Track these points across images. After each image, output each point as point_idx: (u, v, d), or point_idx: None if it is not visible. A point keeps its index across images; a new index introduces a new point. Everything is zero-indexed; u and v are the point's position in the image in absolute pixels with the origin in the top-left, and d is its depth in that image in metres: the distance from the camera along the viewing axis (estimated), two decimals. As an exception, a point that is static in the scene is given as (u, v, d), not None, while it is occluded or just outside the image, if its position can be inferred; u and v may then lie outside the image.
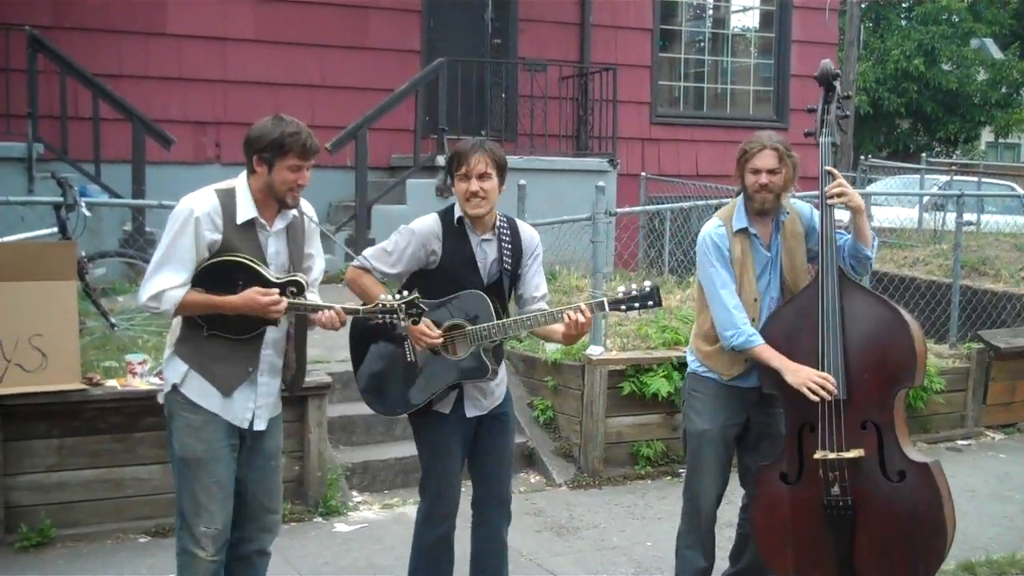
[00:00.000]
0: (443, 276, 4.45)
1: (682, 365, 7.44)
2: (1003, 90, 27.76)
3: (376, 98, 11.55)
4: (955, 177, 17.70)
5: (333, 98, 12.27)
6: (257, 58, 12.01)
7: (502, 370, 4.64)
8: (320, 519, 6.57)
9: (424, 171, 11.90)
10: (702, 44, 15.87)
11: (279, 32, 12.11)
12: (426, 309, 4.19)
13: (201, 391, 4.12)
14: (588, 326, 4.31)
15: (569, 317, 4.25)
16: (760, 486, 4.83)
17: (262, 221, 4.12)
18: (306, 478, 6.66)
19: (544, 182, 11.34)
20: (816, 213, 4.82)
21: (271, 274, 4.09)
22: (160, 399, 4.32)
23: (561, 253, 9.48)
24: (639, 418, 7.75)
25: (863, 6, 21.90)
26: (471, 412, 4.54)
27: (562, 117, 13.31)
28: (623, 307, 4.27)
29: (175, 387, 4.16)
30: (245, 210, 4.08)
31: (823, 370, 4.56)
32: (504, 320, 4.40)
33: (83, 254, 7.31)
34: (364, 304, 4.36)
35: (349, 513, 6.68)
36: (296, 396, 6.44)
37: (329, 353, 7.17)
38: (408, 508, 6.75)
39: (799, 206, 4.95)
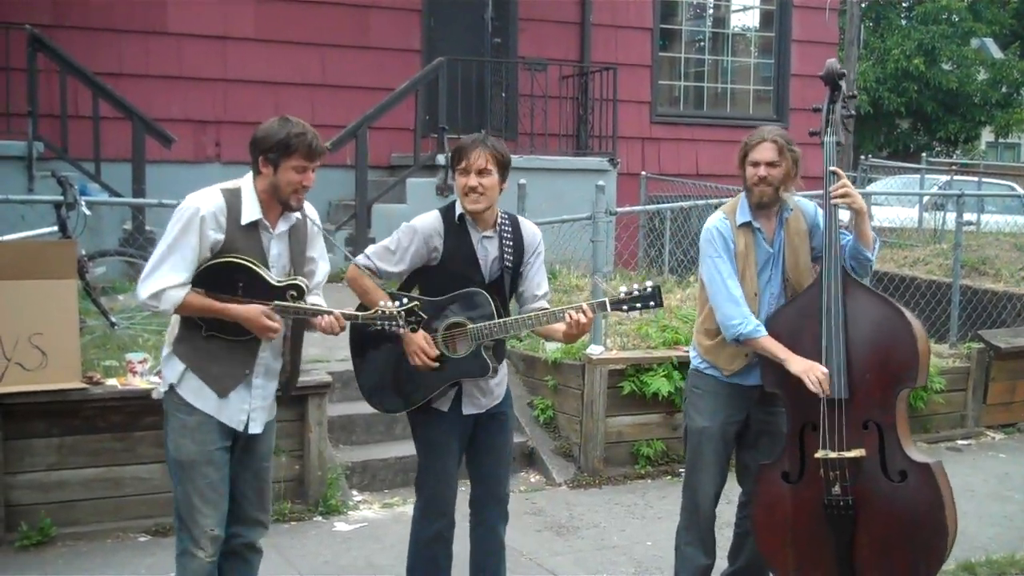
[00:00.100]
0: (444, 273, 4.45)
1: (682, 365, 7.50)
2: (1003, 90, 27.74)
3: (376, 97, 11.55)
4: (955, 177, 17.71)
5: (333, 97, 12.27)
6: (257, 57, 12.00)
7: (503, 369, 4.64)
8: (320, 518, 6.57)
9: (424, 170, 11.90)
10: (702, 43, 15.87)
11: (279, 31, 12.10)
12: (425, 318, 4.20)
13: (197, 392, 4.12)
14: (589, 326, 4.31)
15: (570, 316, 4.25)
16: (761, 485, 4.83)
17: (265, 223, 4.12)
18: (306, 477, 6.66)
19: (544, 181, 11.33)
20: (820, 211, 4.82)
21: (272, 277, 4.09)
22: (155, 395, 4.32)
23: (561, 252, 9.48)
24: (639, 417, 7.75)
25: (863, 6, 21.90)
26: (468, 410, 4.54)
27: (562, 116, 13.30)
28: (624, 307, 4.27)
29: (172, 387, 4.16)
30: (250, 211, 4.08)
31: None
32: (505, 319, 4.40)
33: (83, 253, 7.30)
34: (364, 303, 4.38)
35: (349, 512, 6.68)
36: (296, 395, 6.46)
37: (329, 352, 7.18)
38: (408, 507, 6.70)
39: (803, 204, 4.94)
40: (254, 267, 4.04)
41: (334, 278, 4.55)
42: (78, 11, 11.16)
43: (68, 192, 7.37)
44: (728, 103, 15.77)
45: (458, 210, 4.47)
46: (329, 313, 4.10)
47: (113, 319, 7.54)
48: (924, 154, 21.23)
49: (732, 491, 5.10)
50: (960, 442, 8.93)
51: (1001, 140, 34.41)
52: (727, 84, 15.79)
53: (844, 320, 4.58)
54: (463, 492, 4.66)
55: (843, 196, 4.63)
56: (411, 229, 4.46)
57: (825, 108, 4.88)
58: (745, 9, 16.16)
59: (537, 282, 4.61)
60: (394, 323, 4.10)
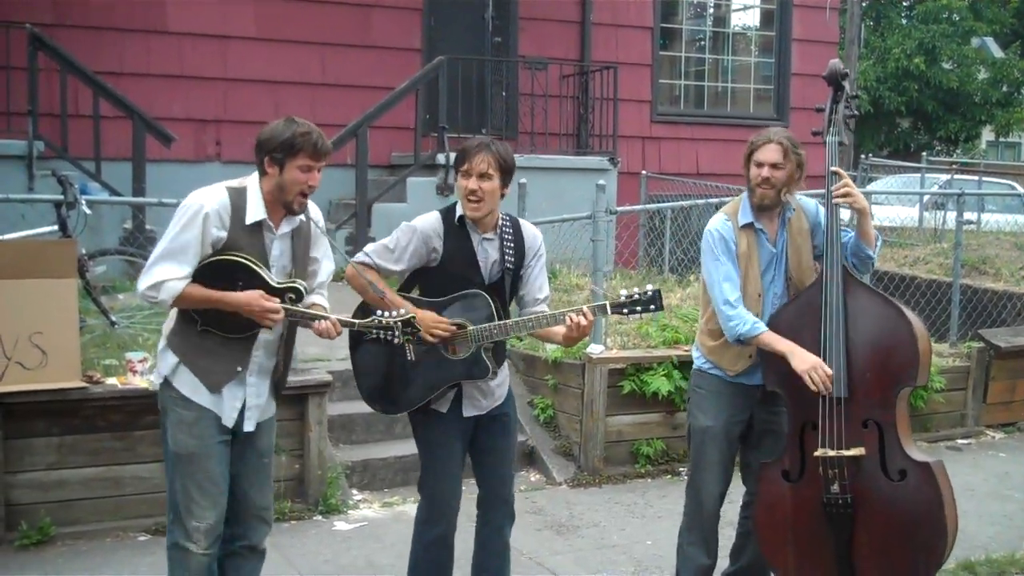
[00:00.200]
0: (444, 274, 4.44)
1: (682, 364, 7.50)
2: (1004, 89, 27.76)
3: (377, 96, 11.54)
4: (955, 176, 17.72)
5: (334, 96, 12.26)
6: (258, 56, 12.00)
7: (503, 371, 4.63)
8: (320, 517, 6.57)
9: (424, 169, 11.89)
10: (703, 42, 15.87)
11: (280, 30, 12.10)
12: (420, 329, 4.20)
13: (192, 385, 4.13)
14: (589, 329, 4.30)
15: (571, 319, 4.24)
16: (762, 483, 4.84)
17: (269, 223, 4.12)
18: (306, 476, 6.66)
19: (545, 180, 11.33)
20: (822, 210, 4.82)
21: (272, 277, 4.09)
22: (150, 387, 4.32)
23: (561, 251, 9.49)
24: (639, 417, 7.75)
25: (864, 4, 21.90)
26: (468, 412, 4.53)
27: (563, 115, 13.30)
28: (625, 310, 4.27)
29: (167, 381, 4.16)
30: (255, 211, 4.08)
31: (825, 369, 4.57)
32: (505, 321, 4.39)
33: (83, 252, 7.30)
34: (364, 301, 4.38)
35: (349, 511, 6.68)
36: (296, 394, 6.47)
37: (330, 351, 7.17)
38: (408, 507, 6.75)
39: (805, 203, 4.95)
40: (254, 266, 4.05)
41: (335, 277, 4.55)
42: (78, 10, 11.16)
43: (68, 191, 7.37)
44: (728, 102, 15.77)
45: (459, 212, 4.46)
46: (326, 318, 4.10)
47: (113, 318, 7.54)
48: (924, 153, 21.24)
49: (735, 491, 5.10)
50: (960, 441, 8.93)
51: (1001, 139, 34.44)
52: (727, 83, 15.79)
53: (845, 319, 4.58)
54: (467, 493, 4.66)
55: (845, 196, 4.63)
56: (411, 228, 4.46)
57: (828, 108, 4.88)
58: (745, 8, 16.16)
59: (538, 285, 4.60)
60: (390, 333, 4.10)
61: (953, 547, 4.68)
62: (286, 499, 6.54)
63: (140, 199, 9.38)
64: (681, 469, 7.56)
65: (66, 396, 5.99)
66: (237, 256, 4.04)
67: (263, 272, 4.07)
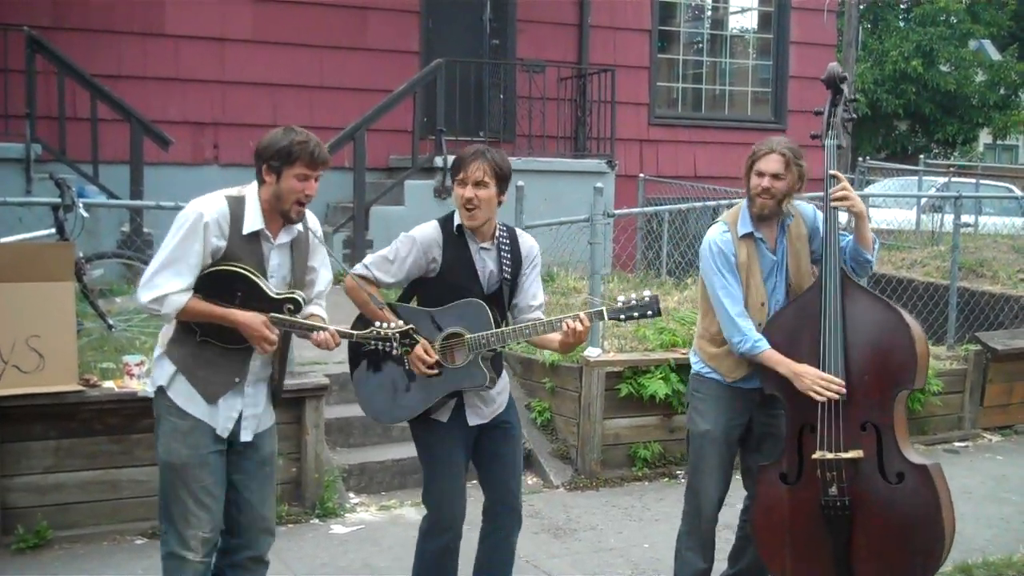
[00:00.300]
0: (442, 284, 4.43)
1: (680, 367, 7.50)
2: (1001, 92, 27.74)
3: (374, 99, 11.54)
4: (953, 179, 17.72)
5: (331, 99, 12.26)
6: (255, 59, 12.01)
7: (503, 378, 4.63)
8: (317, 521, 6.56)
9: (422, 172, 11.90)
10: (700, 45, 15.88)
11: (277, 33, 12.11)
12: (420, 340, 4.20)
13: (187, 396, 4.11)
14: (586, 335, 4.29)
15: (567, 326, 4.23)
16: (760, 486, 4.84)
17: (267, 233, 4.12)
18: (303, 480, 6.66)
19: (542, 183, 11.35)
20: (819, 214, 4.83)
21: (270, 288, 4.09)
22: (141, 393, 4.30)
23: (559, 254, 9.49)
24: (636, 420, 7.75)
25: (861, 7, 21.90)
26: (473, 420, 4.52)
27: (560, 118, 13.31)
28: (622, 316, 4.27)
29: (162, 390, 4.15)
30: (252, 221, 4.08)
31: (824, 371, 4.56)
32: (502, 328, 4.39)
33: (81, 255, 7.30)
34: (364, 313, 4.37)
35: (346, 515, 6.68)
36: (293, 398, 6.47)
37: (326, 355, 7.10)
38: (405, 510, 6.75)
39: (802, 208, 4.95)
40: (253, 277, 4.04)
41: (332, 281, 4.55)
42: (76, 13, 11.17)
43: (66, 194, 7.36)
44: (726, 105, 15.77)
45: (456, 221, 4.46)
46: (325, 329, 4.10)
47: (110, 321, 7.53)
48: (922, 156, 21.30)
49: (733, 495, 5.10)
50: (957, 444, 8.94)
51: (999, 142, 34.45)
52: (725, 86, 15.80)
53: (843, 322, 4.59)
54: (473, 500, 4.65)
55: (842, 199, 4.63)
56: (410, 239, 4.45)
57: (827, 111, 4.89)
58: (743, 11, 16.18)
59: (532, 293, 4.59)
60: (388, 344, 4.11)
61: (950, 550, 4.68)
62: (283, 502, 6.53)
63: (138, 202, 9.39)
64: (678, 472, 7.56)
65: (63, 399, 5.98)
66: (236, 267, 4.03)
67: (262, 283, 4.06)
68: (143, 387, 6.10)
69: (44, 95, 10.45)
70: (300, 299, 4.14)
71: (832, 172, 4.70)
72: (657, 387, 7.56)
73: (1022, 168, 30.88)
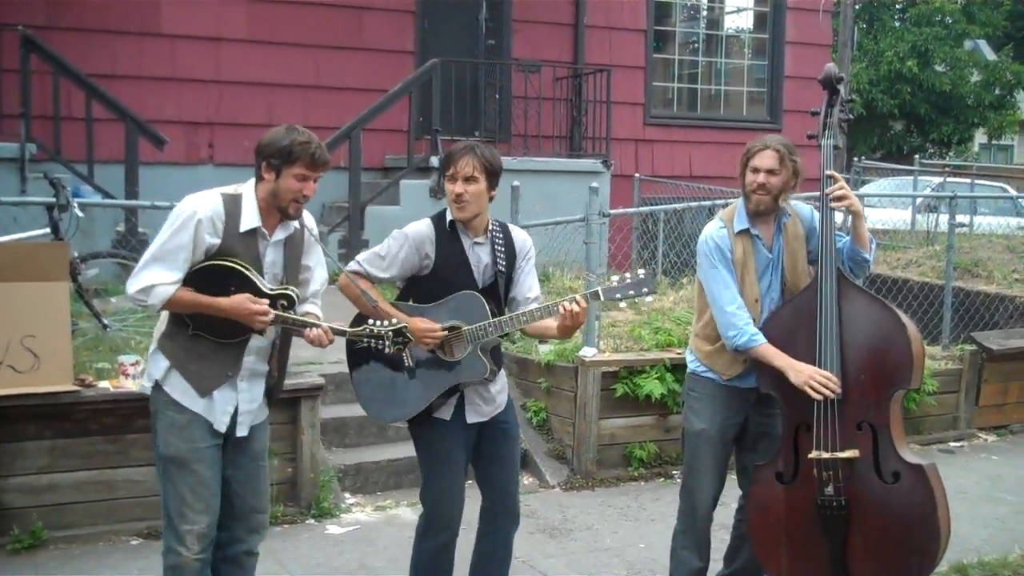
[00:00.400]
0: (437, 281, 4.44)
1: (675, 367, 7.50)
2: (996, 92, 27.76)
3: (370, 99, 11.54)
4: (948, 179, 17.74)
5: (327, 99, 12.26)
6: (251, 58, 11.99)
7: (502, 377, 4.64)
8: (313, 521, 6.56)
9: (418, 172, 11.89)
10: (696, 45, 15.88)
11: (273, 32, 12.09)
12: (412, 339, 4.20)
13: (183, 389, 4.12)
14: (583, 316, 4.29)
15: (564, 308, 4.24)
16: (756, 485, 4.84)
17: (263, 230, 4.12)
18: (299, 480, 6.65)
19: (538, 183, 11.35)
20: (816, 215, 4.83)
21: (264, 284, 4.09)
22: (139, 389, 4.30)
23: (554, 254, 9.48)
24: (632, 420, 7.75)
25: (857, 7, 21.90)
26: (472, 418, 4.52)
27: (556, 118, 13.31)
28: (618, 296, 4.28)
29: (159, 384, 4.16)
30: (249, 219, 4.08)
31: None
32: (500, 317, 4.39)
33: (76, 255, 7.29)
34: (358, 310, 4.38)
35: (342, 515, 6.67)
36: (289, 398, 6.46)
37: (322, 354, 7.08)
38: (401, 510, 6.75)
39: (799, 207, 4.96)
40: (247, 272, 4.05)
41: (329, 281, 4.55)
42: (71, 12, 11.14)
43: (61, 194, 7.36)
44: (722, 105, 15.79)
45: (449, 217, 4.47)
46: (318, 326, 4.10)
47: (105, 321, 7.52)
48: (917, 156, 21.31)
49: (728, 494, 5.10)
50: (952, 444, 8.94)
51: (994, 142, 34.46)
52: (721, 86, 15.81)
53: (839, 322, 4.59)
54: (470, 500, 4.65)
55: (840, 199, 4.64)
56: (403, 235, 4.47)
57: (823, 112, 4.90)
58: (739, 11, 16.19)
59: (528, 285, 4.60)
60: (381, 342, 4.11)
61: (946, 550, 4.68)
62: (279, 502, 6.52)
63: (133, 202, 9.37)
64: (674, 472, 7.56)
65: (58, 399, 5.97)
66: (229, 262, 4.04)
67: (255, 278, 4.07)
68: (139, 385, 6.10)
69: (39, 94, 10.43)
70: (294, 295, 4.15)
71: (829, 172, 4.71)
72: (653, 387, 7.56)
73: (1017, 168, 30.89)
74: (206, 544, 4.17)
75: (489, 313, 4.38)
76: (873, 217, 14.71)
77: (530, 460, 7.59)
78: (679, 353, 7.60)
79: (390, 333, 4.09)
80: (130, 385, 6.17)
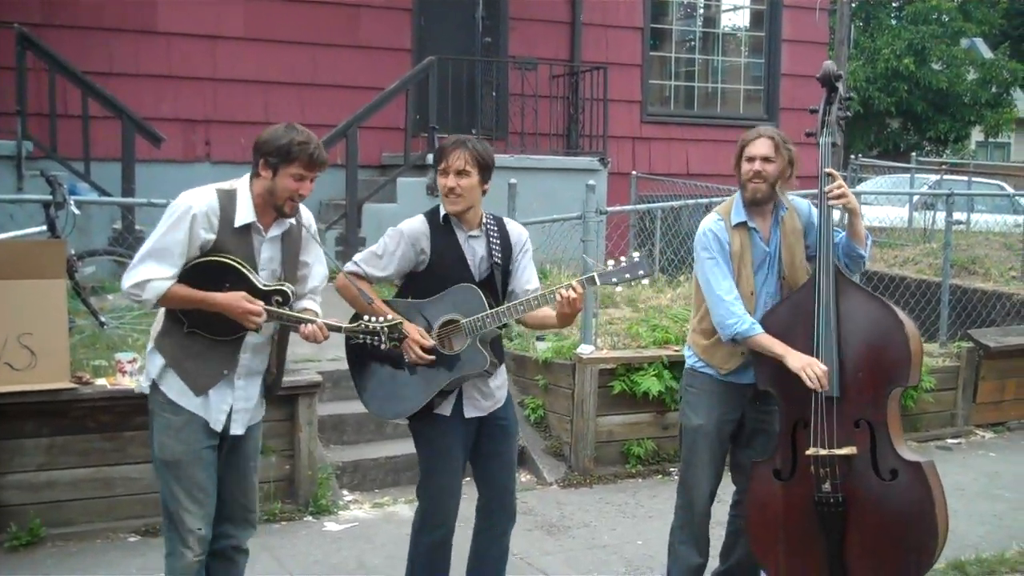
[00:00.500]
0: (433, 276, 4.44)
1: (673, 364, 7.50)
2: (993, 89, 27.82)
3: (367, 96, 11.53)
4: (945, 176, 17.75)
5: (323, 96, 12.25)
6: (247, 56, 11.98)
7: (502, 373, 4.64)
8: (310, 518, 6.56)
9: (415, 170, 11.89)
10: (693, 43, 15.87)
11: (269, 30, 12.08)
12: (407, 335, 4.19)
13: (179, 389, 4.12)
14: (580, 302, 4.29)
15: (561, 295, 4.23)
16: (753, 482, 4.84)
17: (259, 226, 4.12)
18: (296, 477, 6.65)
19: (535, 181, 11.34)
20: (814, 210, 4.83)
21: (259, 280, 4.09)
22: (136, 389, 4.30)
23: (552, 252, 9.48)
24: (630, 417, 7.75)
25: (853, 5, 21.91)
26: (470, 413, 4.52)
27: (553, 116, 13.30)
28: (614, 279, 4.28)
29: (155, 384, 4.15)
30: (244, 214, 4.08)
31: (818, 367, 4.58)
32: (497, 308, 4.39)
33: (72, 252, 7.29)
34: (355, 310, 4.38)
35: (339, 512, 6.67)
36: (286, 395, 6.45)
37: (320, 352, 7.14)
38: (399, 507, 6.75)
39: (797, 202, 4.96)
40: (242, 268, 4.04)
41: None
42: (67, 10, 11.13)
43: (57, 191, 7.35)
44: (718, 103, 15.78)
45: (442, 211, 4.48)
46: (312, 322, 4.10)
47: (102, 319, 7.51)
48: (914, 153, 21.30)
49: (724, 490, 5.10)
50: (950, 441, 8.95)
51: (991, 139, 34.52)
52: (717, 84, 15.80)
53: (837, 319, 4.59)
54: (467, 498, 4.65)
55: (839, 197, 4.64)
56: (397, 232, 4.47)
57: (821, 109, 4.90)
58: (735, 9, 16.17)
59: (527, 278, 4.60)
60: (376, 338, 4.10)
61: (944, 547, 4.68)
62: (276, 500, 6.52)
63: (129, 199, 9.37)
64: (672, 469, 7.57)
65: (55, 397, 5.97)
66: (224, 258, 4.04)
67: (250, 274, 4.06)
68: (136, 384, 6.09)
69: (35, 92, 10.40)
70: (289, 291, 4.14)
71: (827, 170, 4.71)
72: (650, 384, 7.56)
73: (1014, 166, 30.91)
74: (204, 545, 4.19)
75: (486, 305, 4.38)
76: (870, 215, 14.73)
77: (528, 457, 7.59)
78: (677, 350, 7.60)
79: (385, 329, 4.09)
80: (127, 382, 6.16)
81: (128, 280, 4.01)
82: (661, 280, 10.40)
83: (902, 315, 4.64)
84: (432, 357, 4.36)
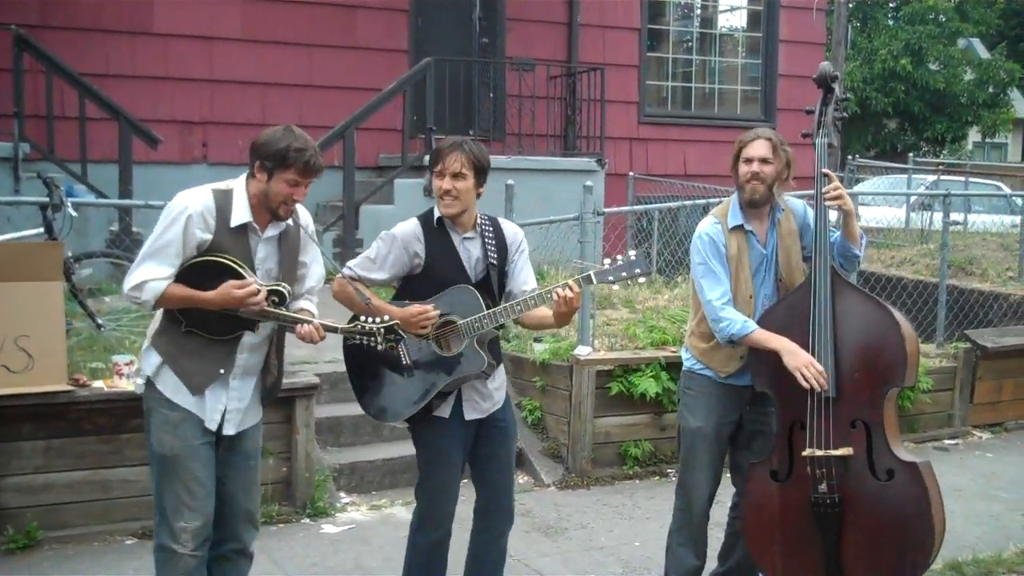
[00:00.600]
0: (428, 279, 4.44)
1: (670, 365, 7.50)
2: (990, 90, 27.83)
3: (364, 98, 11.52)
4: (942, 177, 17.76)
5: (320, 98, 12.24)
6: (244, 57, 11.97)
7: (501, 374, 4.63)
8: (308, 520, 6.55)
9: (412, 171, 11.88)
10: (690, 44, 15.89)
11: (266, 31, 12.07)
12: (404, 336, 4.19)
13: (175, 386, 4.13)
14: (578, 301, 4.28)
15: (557, 295, 4.22)
16: (750, 483, 4.85)
17: (255, 226, 4.12)
18: (294, 479, 6.64)
19: (532, 182, 11.33)
20: (809, 211, 4.84)
21: (256, 280, 4.09)
22: (135, 389, 4.30)
23: (549, 253, 9.48)
24: (627, 418, 7.75)
25: (850, 6, 21.94)
26: (469, 415, 4.52)
27: (550, 117, 13.30)
28: (610, 278, 4.27)
29: (151, 381, 4.16)
30: (240, 214, 4.08)
31: (815, 368, 4.58)
32: (494, 308, 4.39)
33: (69, 254, 7.27)
34: (351, 314, 4.37)
35: (337, 514, 6.67)
36: (283, 397, 6.44)
37: (317, 354, 7.13)
38: (396, 509, 6.74)
39: (792, 203, 4.97)
40: (237, 268, 4.04)
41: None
42: (64, 11, 11.11)
43: (54, 193, 7.34)
44: (716, 103, 15.79)
45: (437, 214, 4.47)
46: (308, 322, 4.10)
47: (99, 321, 7.51)
48: (911, 154, 21.28)
49: (723, 492, 5.11)
50: (947, 441, 8.95)
51: (988, 140, 34.54)
52: (715, 84, 15.81)
53: (833, 320, 4.59)
54: (464, 500, 4.65)
55: (836, 198, 4.65)
56: (390, 236, 4.48)
57: (818, 110, 4.90)
58: (733, 9, 16.18)
59: (523, 278, 4.60)
60: (372, 339, 4.10)
61: (940, 547, 4.69)
62: (274, 502, 6.52)
63: (126, 201, 9.37)
64: (669, 470, 7.57)
65: (52, 399, 5.96)
66: (220, 257, 4.04)
67: (246, 273, 4.06)
68: (133, 386, 6.09)
69: (32, 94, 10.41)
70: (285, 291, 4.14)
71: (824, 171, 4.71)
72: (648, 385, 7.56)
73: (1011, 166, 30.95)
74: (200, 542, 4.17)
75: (483, 305, 4.38)
76: (867, 215, 14.76)
77: (525, 459, 7.59)
78: (674, 352, 7.60)
79: (381, 330, 4.08)
80: (124, 385, 6.16)
81: (128, 283, 4.03)
82: (658, 281, 10.40)
83: (898, 316, 4.65)
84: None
